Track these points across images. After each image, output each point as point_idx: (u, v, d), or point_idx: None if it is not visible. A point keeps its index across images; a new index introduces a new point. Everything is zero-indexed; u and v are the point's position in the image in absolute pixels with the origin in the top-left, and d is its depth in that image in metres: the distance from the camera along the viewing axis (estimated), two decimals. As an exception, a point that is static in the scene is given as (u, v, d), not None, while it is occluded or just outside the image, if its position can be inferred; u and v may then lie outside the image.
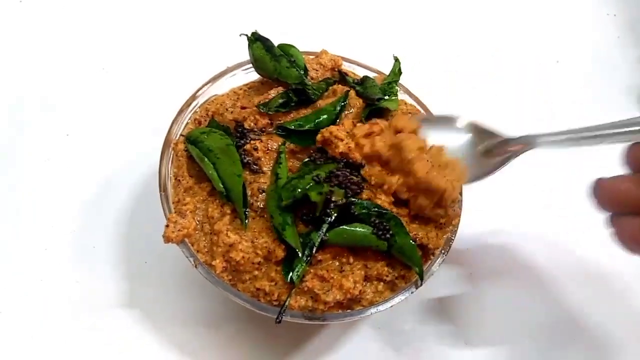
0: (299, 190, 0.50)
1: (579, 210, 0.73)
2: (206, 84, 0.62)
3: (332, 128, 0.54)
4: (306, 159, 0.55)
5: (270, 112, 0.57)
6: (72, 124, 0.74)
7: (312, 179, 0.51)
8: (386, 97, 0.61)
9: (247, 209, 0.53)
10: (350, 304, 0.52)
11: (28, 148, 0.71)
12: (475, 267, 0.70)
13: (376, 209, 0.52)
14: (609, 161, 0.48)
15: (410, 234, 0.52)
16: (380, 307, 0.52)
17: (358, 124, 0.57)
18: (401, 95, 0.65)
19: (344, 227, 0.51)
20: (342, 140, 0.54)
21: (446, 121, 0.59)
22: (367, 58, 0.68)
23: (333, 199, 0.50)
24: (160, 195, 0.54)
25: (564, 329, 0.68)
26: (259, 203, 0.53)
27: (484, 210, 0.71)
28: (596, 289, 0.71)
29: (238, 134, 0.56)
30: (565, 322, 0.68)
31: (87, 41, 0.81)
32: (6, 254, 0.64)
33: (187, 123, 0.60)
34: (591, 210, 0.47)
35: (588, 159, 0.64)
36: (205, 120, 0.59)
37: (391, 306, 0.52)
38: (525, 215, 0.75)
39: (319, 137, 0.54)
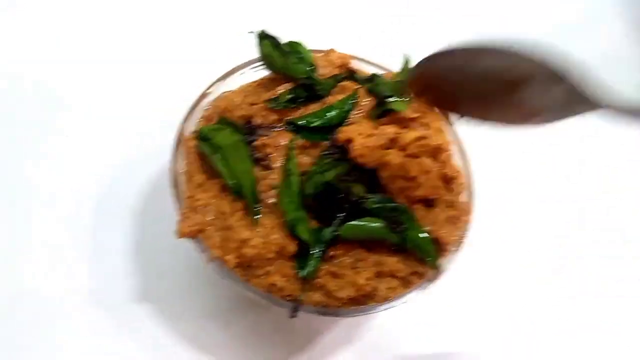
0: (322, 183, 0.51)
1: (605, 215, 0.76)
2: (216, 81, 0.62)
3: (352, 130, 0.54)
4: (322, 153, 0.55)
5: (279, 108, 0.57)
6: (83, 121, 0.74)
7: (334, 178, 0.52)
8: (395, 98, 0.61)
9: (259, 205, 0.53)
10: (364, 300, 0.52)
11: (39, 144, 0.71)
12: (486, 267, 0.70)
13: (389, 203, 0.52)
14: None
15: (423, 228, 0.52)
16: (394, 303, 0.52)
17: (376, 131, 0.56)
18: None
19: (356, 222, 0.51)
20: (357, 147, 0.53)
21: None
22: (377, 56, 0.68)
23: (353, 193, 0.50)
24: (173, 191, 0.54)
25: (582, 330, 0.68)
26: (270, 199, 0.53)
27: (498, 207, 0.73)
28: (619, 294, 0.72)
29: (247, 130, 0.56)
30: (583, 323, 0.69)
31: (95, 39, 0.81)
32: (19, 249, 0.64)
33: (198, 120, 0.60)
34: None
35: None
36: (215, 117, 0.59)
37: (404, 302, 0.52)
38: (542, 213, 0.76)
39: (342, 135, 0.54)
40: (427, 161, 0.54)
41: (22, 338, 0.59)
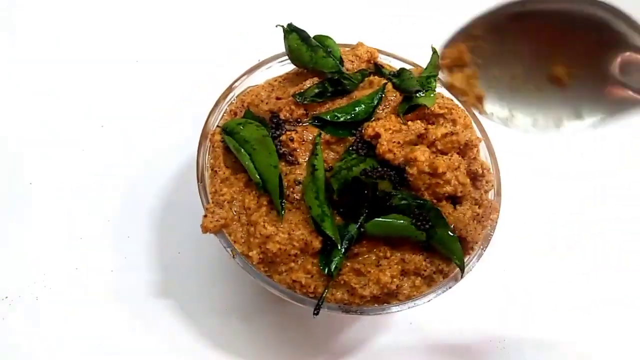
0: (349, 179, 0.50)
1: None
2: (242, 75, 0.62)
3: (380, 125, 0.54)
4: (348, 149, 0.55)
5: (306, 102, 0.56)
6: (107, 116, 0.74)
7: (360, 173, 0.51)
8: (423, 93, 0.59)
9: (284, 201, 0.52)
10: (387, 298, 0.51)
11: (63, 139, 0.72)
12: (510, 264, 0.69)
13: (416, 200, 0.51)
14: None
15: (450, 226, 0.51)
16: (418, 302, 0.51)
17: (403, 127, 0.55)
18: (438, 89, 0.63)
19: (382, 218, 0.50)
20: (384, 143, 0.53)
21: None
22: (404, 51, 0.67)
23: (379, 189, 0.50)
24: (198, 185, 0.54)
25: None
26: (295, 195, 0.53)
27: (523, 204, 0.71)
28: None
29: (273, 125, 0.56)
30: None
31: (120, 34, 0.82)
32: (42, 243, 0.65)
33: (223, 114, 0.60)
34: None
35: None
36: (241, 112, 0.59)
37: (429, 301, 0.52)
38: (566, 211, 0.74)
39: (369, 131, 0.54)
40: (455, 157, 0.53)
41: (44, 330, 0.60)
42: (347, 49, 0.64)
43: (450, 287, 0.52)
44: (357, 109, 0.57)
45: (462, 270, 0.52)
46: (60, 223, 0.66)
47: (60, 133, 0.72)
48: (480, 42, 0.42)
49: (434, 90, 0.60)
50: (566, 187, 0.75)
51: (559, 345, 0.65)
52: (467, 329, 0.65)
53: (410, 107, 0.58)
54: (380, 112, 0.58)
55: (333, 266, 0.49)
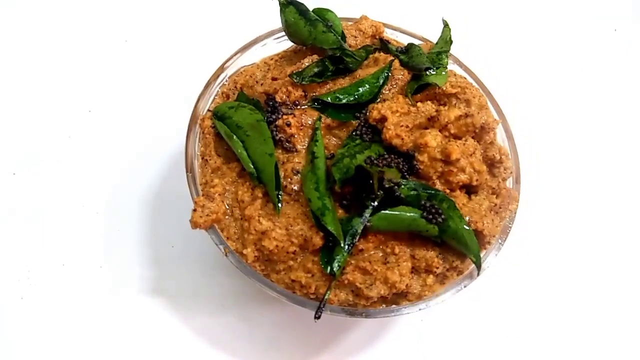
0: (352, 168, 0.46)
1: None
2: (235, 54, 0.57)
3: (386, 107, 0.49)
4: (351, 134, 0.50)
5: (305, 82, 0.52)
6: (94, 100, 0.70)
7: (365, 161, 0.46)
8: (433, 71, 0.54)
9: (281, 192, 0.48)
10: (396, 299, 0.47)
11: (49, 125, 0.68)
12: (509, 263, 0.65)
13: (426, 190, 0.46)
14: None
15: (465, 219, 0.47)
16: (430, 303, 0.47)
17: (412, 109, 0.51)
18: (450, 66, 0.58)
19: (389, 211, 0.46)
20: (391, 127, 0.49)
21: None
22: (412, 25, 0.62)
23: (386, 179, 0.45)
24: (187, 176, 0.50)
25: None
26: (293, 185, 0.48)
27: (523, 204, 0.68)
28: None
29: (269, 108, 0.51)
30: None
31: (107, 12, 0.77)
32: (27, 237, 0.61)
33: (215, 97, 0.55)
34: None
35: None
36: (234, 94, 0.55)
37: (442, 301, 0.47)
38: (566, 211, 0.71)
39: (374, 114, 0.49)
40: (470, 142, 0.49)
41: (36, 327, 0.57)
42: (350, 23, 0.59)
43: (465, 286, 0.48)
44: (360, 89, 0.52)
45: (479, 266, 0.47)
46: (46, 214, 0.62)
47: (45, 118, 0.68)
48: None
49: (446, 68, 0.56)
50: (566, 187, 0.72)
51: (558, 345, 0.62)
52: (481, 330, 0.62)
53: (419, 86, 0.53)
54: (387, 92, 0.53)
55: (336, 265, 0.45)
